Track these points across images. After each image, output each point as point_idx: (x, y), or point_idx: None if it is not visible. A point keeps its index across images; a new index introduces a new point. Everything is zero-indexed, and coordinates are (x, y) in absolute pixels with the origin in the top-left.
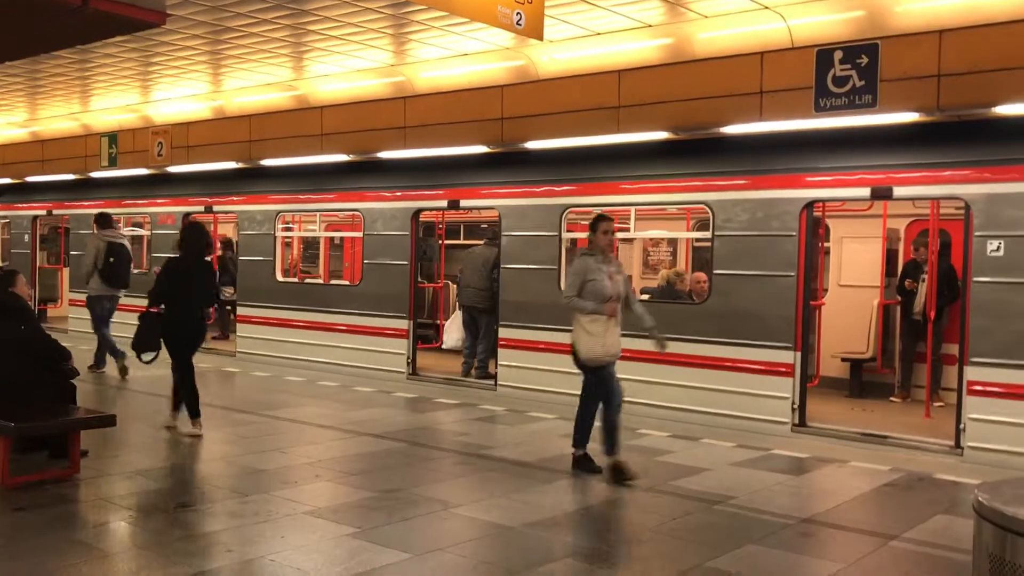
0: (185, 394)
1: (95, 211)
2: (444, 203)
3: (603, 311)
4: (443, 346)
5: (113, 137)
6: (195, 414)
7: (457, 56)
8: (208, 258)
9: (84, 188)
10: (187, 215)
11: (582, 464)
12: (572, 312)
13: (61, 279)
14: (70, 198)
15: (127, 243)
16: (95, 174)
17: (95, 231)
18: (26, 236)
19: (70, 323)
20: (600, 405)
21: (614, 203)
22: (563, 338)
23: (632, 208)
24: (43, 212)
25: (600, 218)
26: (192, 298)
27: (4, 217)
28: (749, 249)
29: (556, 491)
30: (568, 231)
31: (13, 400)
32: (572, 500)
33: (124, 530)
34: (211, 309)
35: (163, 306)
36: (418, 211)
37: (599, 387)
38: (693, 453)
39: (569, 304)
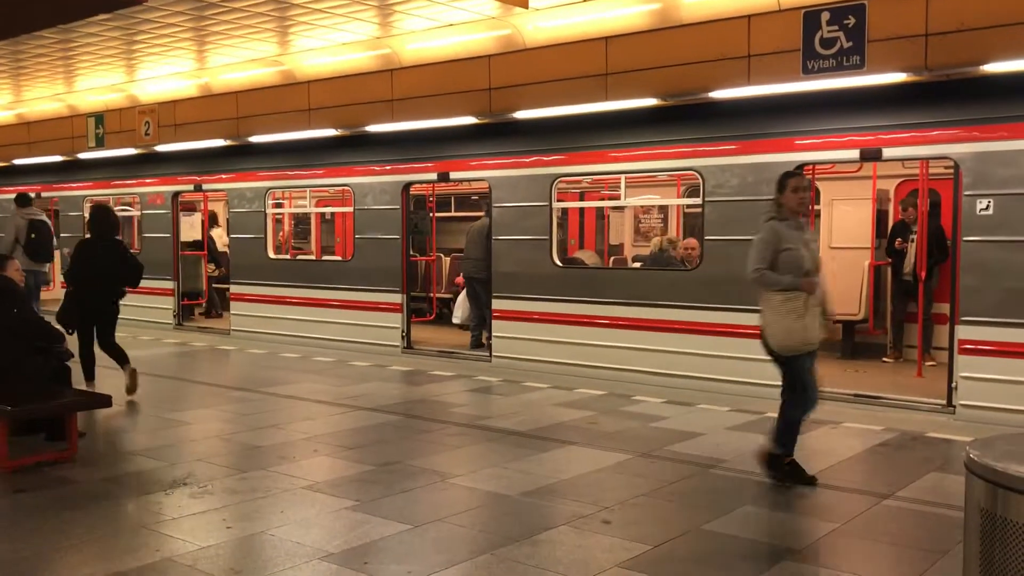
0: (83, 358)
1: (85, 192)
2: (434, 176)
3: (802, 287)
4: (454, 321)
5: (99, 117)
6: (90, 376)
7: (443, 27)
8: (117, 239)
9: (72, 170)
10: (176, 193)
11: (794, 474)
12: (760, 290)
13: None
14: (58, 180)
15: (47, 220)
16: (83, 155)
17: (16, 210)
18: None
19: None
20: (791, 399)
21: (604, 171)
22: (556, 308)
23: (622, 176)
24: (32, 195)
25: (788, 175)
26: (97, 278)
27: None
28: (740, 214)
29: (552, 460)
30: (558, 200)
31: (8, 383)
32: (568, 468)
33: (124, 509)
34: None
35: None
36: (408, 184)
37: (796, 380)
38: (688, 418)
39: (759, 279)
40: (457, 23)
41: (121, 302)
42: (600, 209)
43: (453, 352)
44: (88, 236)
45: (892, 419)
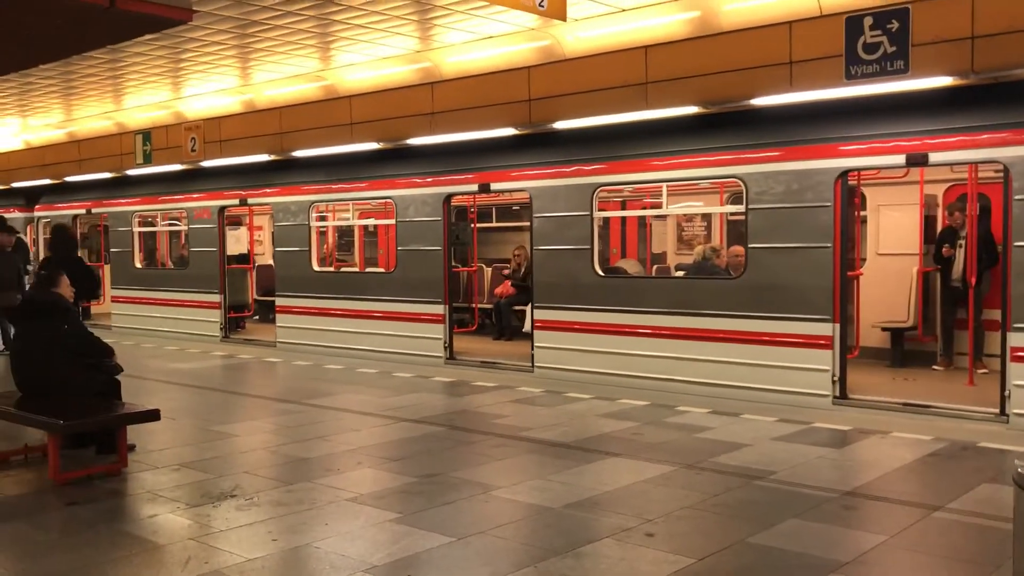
0: None
1: (133, 208)
2: (475, 187)
3: None
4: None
5: (147, 135)
6: None
7: (482, 39)
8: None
9: (121, 186)
10: (222, 208)
11: None
12: None
13: (103, 276)
14: (108, 196)
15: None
16: (131, 171)
17: None
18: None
19: (113, 319)
20: None
21: (645, 180)
22: (598, 318)
23: (664, 184)
24: (82, 211)
25: None
26: None
27: (45, 217)
28: (784, 221)
29: (595, 471)
30: (599, 210)
31: (60, 398)
32: (611, 480)
33: (172, 522)
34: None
35: None
36: (449, 196)
37: None
38: (733, 429)
39: None
40: (496, 35)
41: (165, 316)
42: (642, 218)
43: (495, 363)
44: (48, 256)
45: (943, 428)
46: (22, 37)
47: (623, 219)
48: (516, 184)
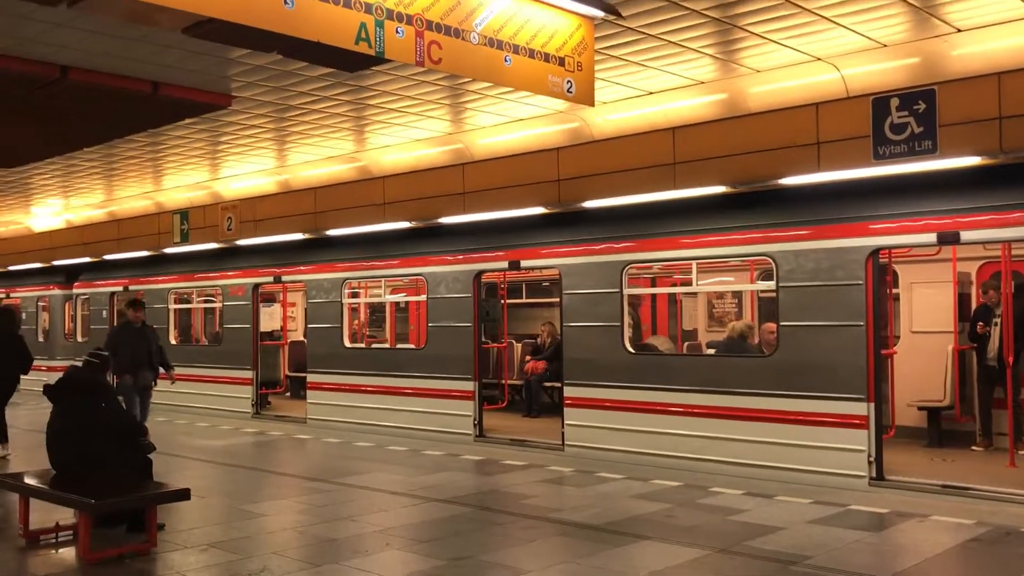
0: None
1: (169, 285)
2: (505, 264)
3: None
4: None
5: (184, 214)
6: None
7: (512, 122)
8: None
9: (158, 264)
10: (256, 285)
11: None
12: None
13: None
14: (145, 274)
15: None
16: (168, 250)
17: None
18: (104, 312)
19: None
20: None
21: (675, 258)
22: (629, 395)
23: (693, 262)
24: (120, 288)
25: None
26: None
27: (84, 294)
28: (816, 299)
29: (626, 555)
30: (629, 286)
31: (94, 476)
32: (643, 564)
33: None
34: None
35: None
36: (480, 273)
37: None
38: (767, 511)
39: None
40: (526, 118)
41: (198, 392)
42: (673, 295)
43: (525, 440)
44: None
45: (984, 512)
46: (69, 121)
47: (653, 296)
48: (546, 261)
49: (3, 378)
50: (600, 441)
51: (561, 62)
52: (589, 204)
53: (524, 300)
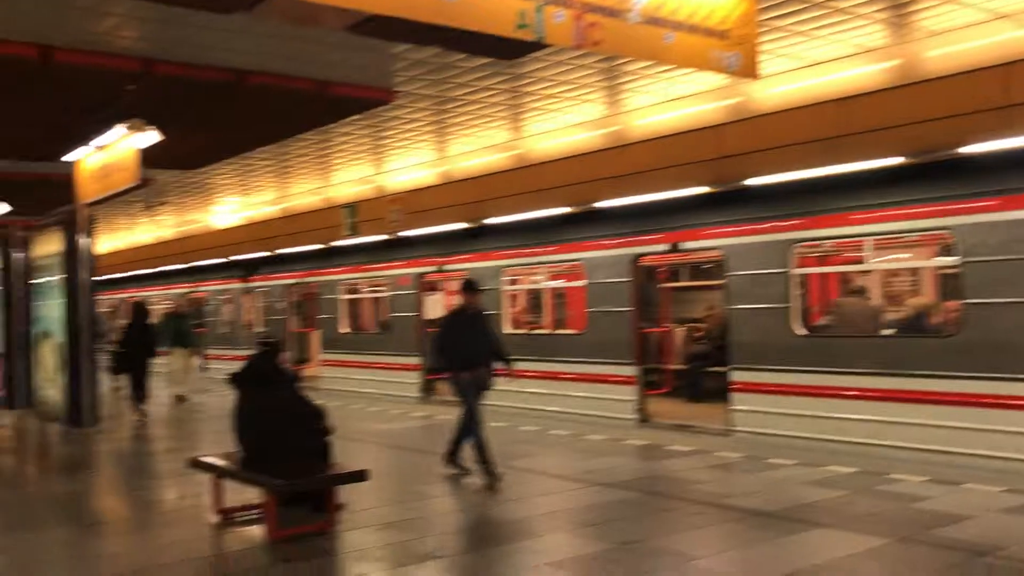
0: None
1: (340, 277)
2: (665, 246)
3: None
4: None
5: (352, 208)
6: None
7: (671, 100)
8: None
9: (328, 256)
10: (420, 275)
11: None
12: None
13: (312, 341)
14: (316, 266)
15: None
16: (337, 243)
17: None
18: (280, 303)
19: (323, 381)
20: None
21: (845, 235)
22: (799, 379)
23: (866, 238)
24: (294, 281)
25: None
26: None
27: (262, 287)
28: (1006, 274)
29: (801, 542)
30: (798, 266)
31: (279, 459)
32: (819, 552)
33: None
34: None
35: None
36: (638, 256)
37: None
38: (953, 499)
39: None
40: (685, 96)
41: (368, 378)
42: (844, 273)
43: (690, 426)
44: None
45: None
46: (244, 124)
47: (823, 275)
48: (708, 243)
49: (138, 360)
50: (770, 426)
51: (723, 36)
52: (753, 181)
53: (685, 283)
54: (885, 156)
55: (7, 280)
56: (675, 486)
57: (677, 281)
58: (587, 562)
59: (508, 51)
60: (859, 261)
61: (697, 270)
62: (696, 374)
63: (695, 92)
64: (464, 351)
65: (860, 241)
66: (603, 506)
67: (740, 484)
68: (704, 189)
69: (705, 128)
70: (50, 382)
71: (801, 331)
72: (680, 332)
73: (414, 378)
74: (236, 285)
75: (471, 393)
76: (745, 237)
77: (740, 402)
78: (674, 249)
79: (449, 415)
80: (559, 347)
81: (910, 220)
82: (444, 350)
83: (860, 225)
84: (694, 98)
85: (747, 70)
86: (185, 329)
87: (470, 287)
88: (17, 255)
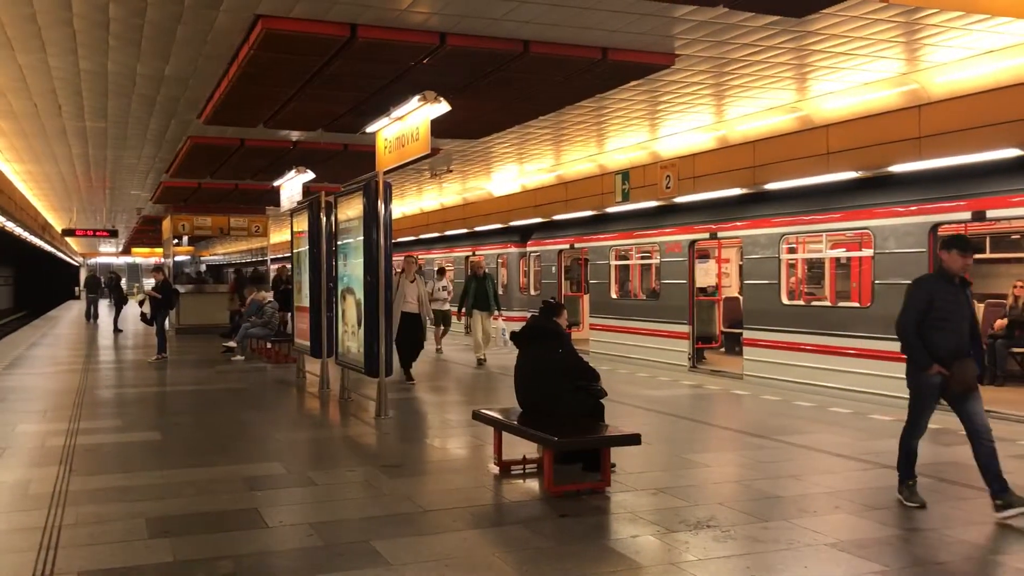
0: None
1: (611, 243)
2: (967, 215)
3: None
4: None
5: (625, 174)
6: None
7: (979, 55)
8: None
9: (600, 223)
10: (692, 242)
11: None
12: None
13: (582, 305)
14: (588, 232)
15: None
16: (610, 209)
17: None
18: (553, 268)
19: (591, 345)
20: None
21: None
22: None
23: None
24: (566, 246)
25: None
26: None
27: (536, 251)
28: None
29: None
30: None
31: (554, 417)
32: None
33: (653, 544)
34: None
35: None
36: (936, 225)
37: None
38: None
39: None
40: (996, 49)
41: (636, 344)
42: None
43: (991, 411)
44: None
45: None
46: (527, 93)
47: None
48: (1019, 211)
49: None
50: None
51: None
52: None
53: (987, 255)
54: None
55: (315, 241)
56: (971, 474)
57: (979, 252)
58: (872, 545)
59: (797, 8)
60: None
61: (1004, 241)
62: (998, 354)
63: (1008, 45)
64: (947, 338)
65: None
66: (887, 489)
67: None
68: (1017, 152)
69: (1019, 84)
70: (351, 335)
71: None
72: (982, 308)
73: (683, 347)
74: (513, 250)
75: (932, 396)
76: None
77: None
78: (978, 217)
79: (717, 385)
80: (841, 321)
81: None
82: (911, 335)
83: None
84: (1007, 51)
85: None
86: (485, 291)
87: (958, 244)
88: (323, 219)
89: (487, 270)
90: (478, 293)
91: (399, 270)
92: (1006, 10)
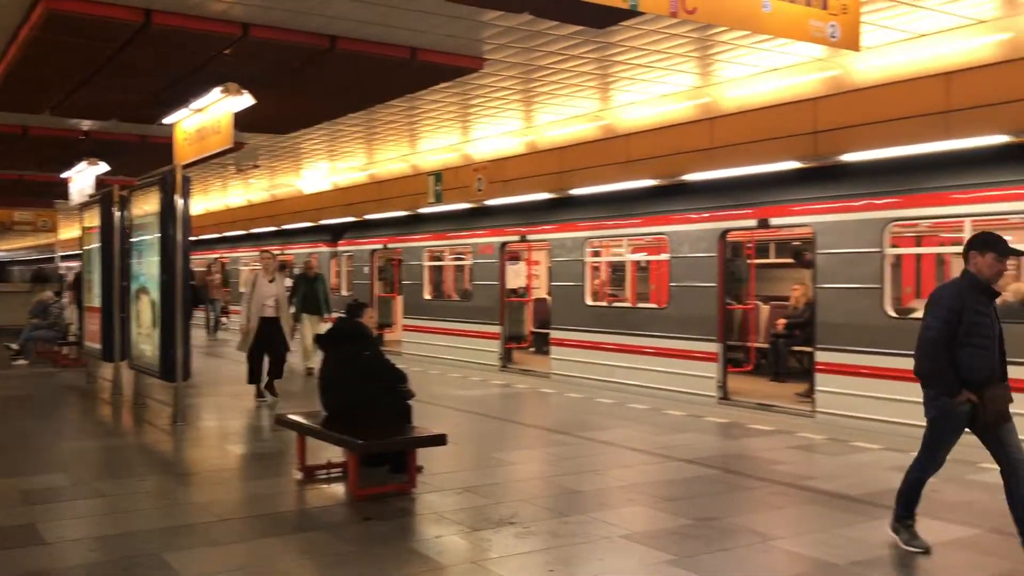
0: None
1: (424, 244)
2: (753, 222)
3: None
4: None
5: (438, 176)
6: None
7: (765, 72)
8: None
9: (413, 223)
10: (503, 244)
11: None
12: None
13: (395, 306)
14: (401, 232)
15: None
16: (423, 210)
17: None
18: (365, 268)
19: (404, 347)
20: None
21: (943, 215)
22: (888, 363)
23: (966, 219)
24: (379, 246)
25: None
26: None
27: (348, 251)
28: None
29: (884, 528)
30: (892, 246)
31: (360, 419)
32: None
33: (456, 544)
34: None
35: None
36: (725, 231)
37: None
38: None
39: None
40: (780, 67)
41: (449, 344)
42: (940, 255)
43: (772, 405)
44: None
45: None
46: (335, 90)
47: (918, 256)
48: (798, 219)
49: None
50: (855, 409)
51: (824, 5)
52: (850, 157)
53: (772, 260)
54: (993, 133)
55: (107, 237)
56: (755, 465)
57: (765, 258)
58: (663, 536)
59: (599, 19)
60: (958, 243)
61: (786, 248)
62: (780, 353)
63: (791, 64)
64: (978, 359)
65: (960, 222)
66: (681, 482)
67: (822, 466)
68: (796, 164)
69: (800, 101)
70: (146, 337)
71: (892, 313)
72: (766, 310)
73: (494, 347)
74: (324, 249)
75: (957, 427)
76: (838, 215)
77: (825, 383)
78: (763, 225)
79: (526, 384)
80: (640, 321)
81: (1016, 201)
82: (942, 356)
83: (962, 205)
84: (789, 70)
85: (848, 41)
86: (316, 294)
87: (996, 247)
88: (116, 214)
89: (318, 271)
90: (308, 296)
91: (257, 267)
92: (785, 31)
